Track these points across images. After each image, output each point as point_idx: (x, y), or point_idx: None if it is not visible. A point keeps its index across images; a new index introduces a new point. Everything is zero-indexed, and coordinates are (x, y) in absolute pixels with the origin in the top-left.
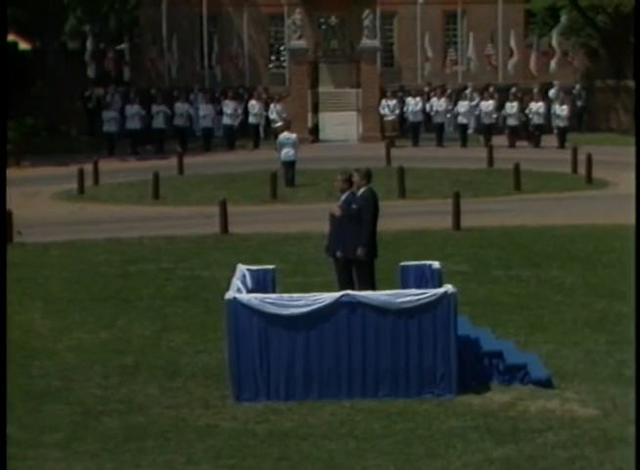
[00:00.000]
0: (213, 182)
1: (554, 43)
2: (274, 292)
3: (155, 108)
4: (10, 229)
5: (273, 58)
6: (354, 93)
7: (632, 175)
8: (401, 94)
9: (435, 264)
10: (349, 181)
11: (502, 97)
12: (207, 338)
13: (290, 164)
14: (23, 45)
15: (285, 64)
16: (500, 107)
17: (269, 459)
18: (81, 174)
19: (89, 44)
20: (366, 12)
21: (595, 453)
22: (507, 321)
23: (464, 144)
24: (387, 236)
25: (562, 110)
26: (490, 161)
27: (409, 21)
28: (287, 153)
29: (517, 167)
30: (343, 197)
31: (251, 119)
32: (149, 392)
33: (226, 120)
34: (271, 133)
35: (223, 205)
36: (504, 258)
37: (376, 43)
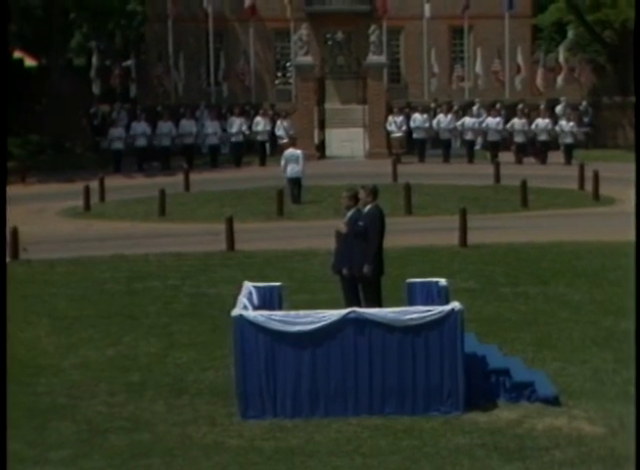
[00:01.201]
0: (220, 199)
1: (561, 59)
2: (280, 309)
3: (161, 125)
4: (16, 246)
5: (279, 74)
6: (361, 109)
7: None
8: (408, 110)
9: (442, 281)
10: (356, 198)
11: (509, 113)
12: (214, 355)
13: (295, 181)
14: (29, 62)
15: (291, 80)
16: (507, 123)
17: None
18: (87, 191)
19: (95, 61)
20: (372, 27)
21: None
22: (514, 338)
23: (471, 160)
24: (393, 253)
25: (568, 126)
26: (497, 177)
27: (415, 36)
28: (292, 169)
29: (524, 184)
30: (350, 214)
31: (258, 136)
32: (155, 409)
33: (232, 137)
34: (278, 150)
35: (230, 221)
36: (511, 275)
37: (382, 59)
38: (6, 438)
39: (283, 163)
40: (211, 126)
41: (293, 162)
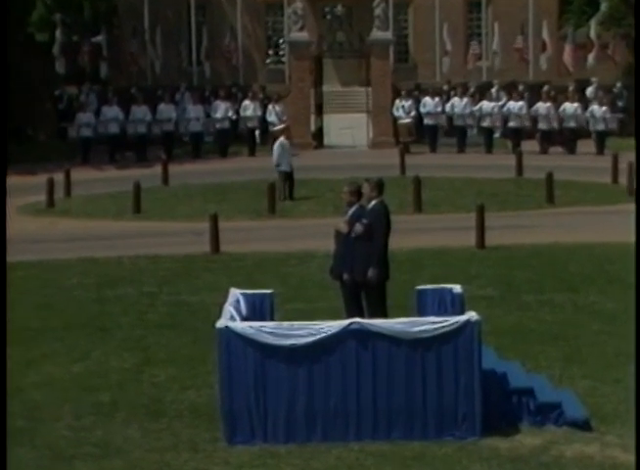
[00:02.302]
0: (203, 194)
1: (592, 34)
2: (272, 319)
3: (136, 109)
4: None
5: (271, 52)
6: (363, 92)
7: None
8: (417, 93)
9: (457, 288)
10: (358, 193)
11: (533, 96)
12: (196, 372)
13: (290, 174)
14: None
15: (284, 59)
16: (530, 107)
17: None
18: (51, 185)
19: (59, 36)
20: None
21: None
22: (539, 353)
23: (489, 150)
24: (400, 256)
25: (600, 111)
26: (519, 169)
27: (426, 10)
28: (286, 161)
29: (549, 177)
30: (351, 211)
31: (247, 123)
32: (128, 433)
33: (217, 124)
34: (269, 138)
35: (214, 220)
36: (535, 281)
37: (388, 35)
38: (6, 438)
39: (276, 153)
40: (193, 111)
41: (289, 151)
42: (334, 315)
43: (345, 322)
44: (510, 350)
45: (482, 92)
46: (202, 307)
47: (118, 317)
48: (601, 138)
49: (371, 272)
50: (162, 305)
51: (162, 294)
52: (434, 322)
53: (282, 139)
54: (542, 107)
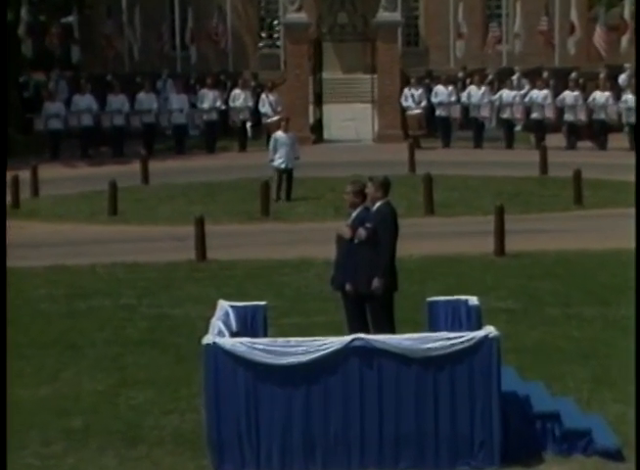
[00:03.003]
0: (187, 194)
1: (626, 15)
2: (266, 335)
3: (112, 99)
4: None
5: (264, 35)
6: (368, 80)
7: None
8: (429, 81)
9: (473, 300)
10: (362, 193)
11: (559, 84)
12: (179, 394)
13: (286, 172)
14: None
15: (279, 43)
16: (556, 97)
17: None
18: (16, 183)
19: (25, 15)
20: None
21: None
22: (565, 374)
23: (509, 145)
24: (409, 264)
25: (634, 101)
26: (543, 166)
27: None
28: (282, 157)
29: (577, 175)
30: (354, 214)
31: (237, 114)
32: (103, 462)
33: (204, 115)
34: (262, 131)
35: (200, 223)
36: (561, 293)
37: (396, 16)
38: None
39: (272, 146)
40: (177, 101)
41: (283, 147)
42: (334, 331)
43: (348, 338)
44: (533, 369)
45: (502, 80)
46: (186, 322)
47: (92, 333)
48: (635, 132)
49: (376, 282)
50: (142, 319)
51: (142, 307)
52: (447, 338)
53: (279, 133)
54: (569, 96)
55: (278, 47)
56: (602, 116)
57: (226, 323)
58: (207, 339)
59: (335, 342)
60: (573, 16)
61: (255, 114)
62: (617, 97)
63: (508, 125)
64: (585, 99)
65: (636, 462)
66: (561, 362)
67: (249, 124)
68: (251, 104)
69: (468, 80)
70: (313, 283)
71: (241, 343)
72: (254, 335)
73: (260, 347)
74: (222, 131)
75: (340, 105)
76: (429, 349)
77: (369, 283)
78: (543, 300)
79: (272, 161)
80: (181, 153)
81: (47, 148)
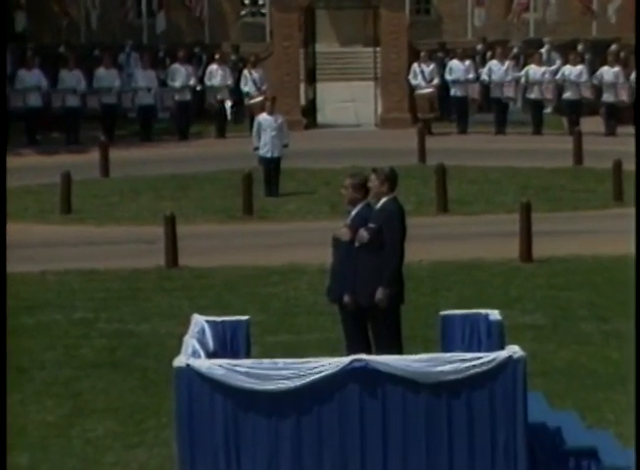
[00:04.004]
0: (156, 189)
1: None
2: (249, 356)
3: (65, 75)
4: None
5: (247, 1)
6: (370, 54)
7: None
8: (442, 55)
9: (494, 314)
10: (363, 188)
11: (596, 59)
12: (146, 426)
13: (272, 162)
14: None
15: (264, 10)
16: (593, 73)
17: None
18: None
19: None
20: None
21: None
22: (602, 402)
23: (538, 130)
24: (420, 271)
25: None
26: (578, 156)
27: None
28: (268, 144)
29: (618, 166)
30: (354, 212)
31: (214, 94)
32: None
33: (175, 95)
34: (244, 114)
35: (171, 223)
36: (598, 305)
37: None
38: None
39: (255, 131)
40: (143, 78)
41: (270, 133)
42: (330, 350)
43: (346, 360)
44: (564, 396)
45: (529, 53)
46: (154, 340)
47: (41, 353)
48: None
49: (380, 293)
50: (100, 336)
51: (100, 322)
52: (463, 360)
53: (264, 115)
54: (608, 73)
55: (263, 15)
56: None
57: (202, 342)
58: (180, 360)
59: (330, 364)
60: None
61: (236, 93)
62: None
63: (536, 107)
64: (627, 76)
65: (636, 462)
66: (597, 388)
67: (228, 106)
68: (230, 82)
69: (488, 54)
70: (305, 294)
71: (219, 365)
72: (235, 356)
73: (242, 370)
74: (197, 114)
75: (336, 83)
76: (442, 372)
77: (372, 294)
78: (576, 314)
79: (257, 149)
80: (148, 139)
81: None
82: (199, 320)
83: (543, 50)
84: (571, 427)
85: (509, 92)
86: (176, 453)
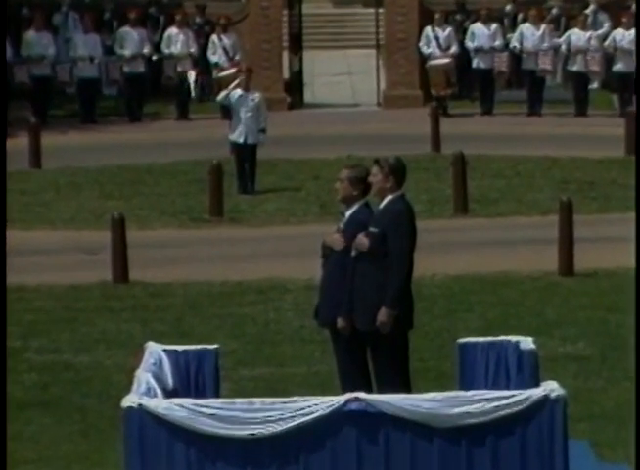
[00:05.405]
0: (101, 184)
1: None
2: (217, 394)
3: None
4: None
5: None
6: (371, 15)
7: None
8: (461, 17)
9: (526, 342)
10: (363, 183)
11: None
12: None
13: (247, 149)
14: None
15: None
16: None
17: None
18: None
19: None
20: None
21: None
22: None
23: (581, 111)
24: (433, 287)
25: None
26: (632, 142)
27: None
28: (242, 128)
29: None
30: (349, 213)
31: (174, 65)
32: None
33: (125, 66)
34: (213, 90)
35: (120, 228)
36: None
37: None
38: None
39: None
40: (84, 45)
41: (244, 112)
42: (320, 387)
43: (340, 399)
44: (615, 446)
45: (571, 15)
46: (97, 374)
47: None
48: None
49: (383, 316)
50: (30, 369)
51: (30, 351)
52: (488, 399)
53: (237, 92)
54: None
55: None
56: None
57: (158, 376)
58: (130, 399)
59: (321, 404)
60: None
61: (202, 64)
62: None
63: (579, 82)
64: None
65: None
66: None
67: (192, 80)
68: (194, 50)
69: (520, 16)
70: (288, 316)
71: (180, 406)
72: (201, 394)
73: (209, 411)
74: (152, 90)
75: (328, 52)
76: (460, 414)
77: (372, 317)
78: (630, 342)
79: (232, 133)
80: (90, 121)
81: None
82: (154, 349)
83: (588, 11)
84: None
85: (545, 63)
86: None
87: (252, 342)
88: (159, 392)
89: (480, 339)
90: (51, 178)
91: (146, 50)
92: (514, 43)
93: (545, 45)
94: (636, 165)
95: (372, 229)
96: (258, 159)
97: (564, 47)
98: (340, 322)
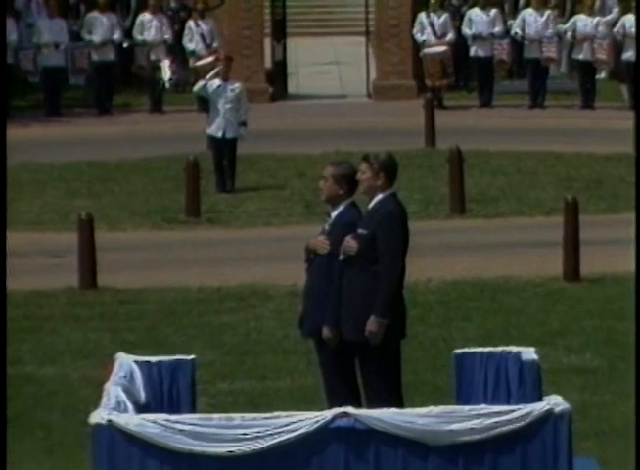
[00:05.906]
0: (67, 181)
1: None
2: (194, 409)
3: None
4: None
5: None
6: (361, 0)
7: None
8: (459, 2)
9: (528, 353)
10: (350, 181)
11: None
12: None
13: (226, 144)
14: None
15: None
16: None
17: None
18: None
19: None
20: None
21: None
22: None
23: (588, 102)
24: (427, 294)
25: None
26: None
27: None
28: (220, 121)
29: None
30: (335, 213)
31: (147, 52)
32: None
33: (93, 54)
34: (188, 80)
35: (87, 229)
36: None
37: None
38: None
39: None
40: (49, 30)
41: (223, 104)
42: (305, 402)
43: (327, 414)
44: (625, 465)
45: (576, 0)
46: (62, 388)
47: None
48: None
49: (373, 325)
50: None
51: None
52: (487, 415)
53: (215, 82)
54: None
55: None
56: None
57: (129, 390)
58: (98, 415)
59: (306, 420)
60: None
61: (177, 52)
62: None
63: (586, 71)
64: None
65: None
66: None
67: (166, 69)
68: (169, 36)
69: (521, 1)
70: (271, 325)
71: (153, 421)
72: (176, 409)
73: (184, 428)
74: (123, 79)
75: (314, 39)
76: (457, 431)
77: (361, 326)
78: None
79: (209, 127)
80: (56, 113)
81: None
82: (125, 361)
83: None
84: None
85: (549, 51)
86: None
87: (232, 353)
88: (130, 407)
89: (479, 349)
90: (12, 175)
91: (116, 36)
92: (515, 29)
93: (549, 32)
94: (636, 165)
95: (361, 231)
96: (238, 154)
97: (569, 34)
98: (325, 332)
